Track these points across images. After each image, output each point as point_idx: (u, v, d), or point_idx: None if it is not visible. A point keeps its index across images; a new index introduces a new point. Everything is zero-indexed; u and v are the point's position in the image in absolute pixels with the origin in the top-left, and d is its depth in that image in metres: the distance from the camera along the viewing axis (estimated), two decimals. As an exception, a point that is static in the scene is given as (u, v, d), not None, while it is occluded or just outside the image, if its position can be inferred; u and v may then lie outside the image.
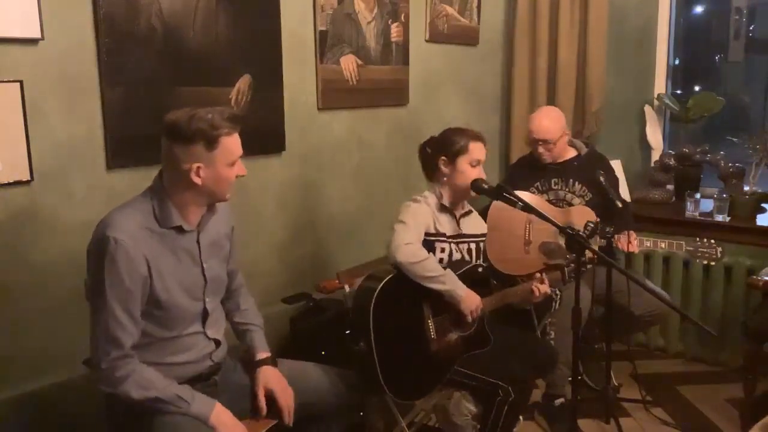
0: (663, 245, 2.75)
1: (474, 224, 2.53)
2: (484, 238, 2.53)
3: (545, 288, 2.41)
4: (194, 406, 1.71)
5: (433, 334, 2.28)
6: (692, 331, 3.50)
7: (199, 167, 1.71)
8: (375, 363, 2.15)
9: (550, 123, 2.99)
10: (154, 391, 1.68)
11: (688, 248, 2.74)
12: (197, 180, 1.71)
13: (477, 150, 2.38)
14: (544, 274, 2.44)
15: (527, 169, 3.12)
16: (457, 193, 2.43)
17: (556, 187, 3.05)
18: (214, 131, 1.70)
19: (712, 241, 2.82)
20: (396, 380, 2.18)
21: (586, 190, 3.01)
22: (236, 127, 1.75)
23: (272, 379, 1.89)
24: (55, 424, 2.11)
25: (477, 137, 2.40)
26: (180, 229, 1.77)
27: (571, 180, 3.03)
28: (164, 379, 1.72)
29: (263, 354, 1.94)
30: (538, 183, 3.06)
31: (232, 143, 1.74)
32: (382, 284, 2.20)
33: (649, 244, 2.80)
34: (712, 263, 2.75)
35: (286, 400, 1.87)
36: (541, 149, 3.00)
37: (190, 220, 1.79)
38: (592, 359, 3.18)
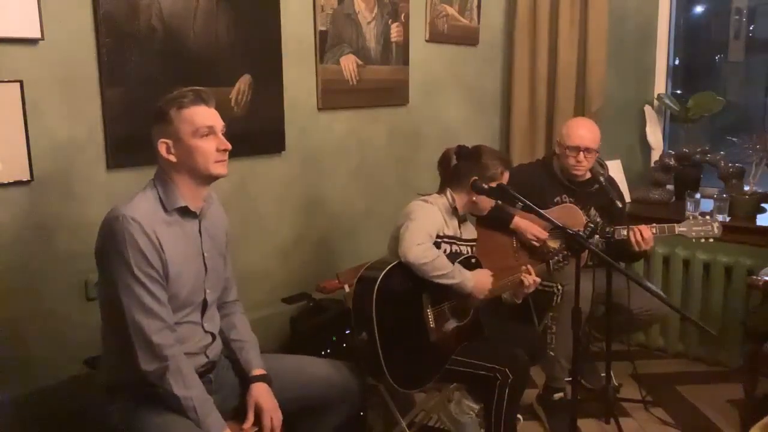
0: (654, 230, 2.72)
1: (470, 230, 2.59)
2: (475, 243, 2.58)
3: (533, 277, 2.42)
4: (204, 423, 1.70)
5: (432, 324, 2.31)
6: (692, 331, 3.49)
7: (166, 143, 1.74)
8: (378, 353, 2.16)
9: (593, 131, 2.85)
10: (184, 389, 1.68)
11: (681, 229, 2.70)
12: (171, 157, 1.75)
13: (507, 178, 2.45)
14: (529, 266, 2.46)
15: (547, 178, 2.93)
16: (474, 209, 2.49)
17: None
18: (172, 105, 1.73)
19: (707, 217, 2.79)
20: (397, 370, 2.20)
21: (599, 217, 2.93)
22: (200, 100, 1.75)
23: (264, 397, 1.88)
24: (55, 424, 2.11)
25: (508, 165, 2.49)
26: (185, 211, 1.79)
27: (588, 206, 2.92)
28: (198, 382, 1.74)
29: (259, 371, 1.94)
30: (558, 198, 2.89)
31: (192, 113, 1.74)
32: (383, 274, 2.22)
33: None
34: (711, 240, 2.71)
35: (271, 420, 1.86)
36: (581, 157, 2.81)
37: (193, 203, 1.81)
38: (588, 359, 3.16)
